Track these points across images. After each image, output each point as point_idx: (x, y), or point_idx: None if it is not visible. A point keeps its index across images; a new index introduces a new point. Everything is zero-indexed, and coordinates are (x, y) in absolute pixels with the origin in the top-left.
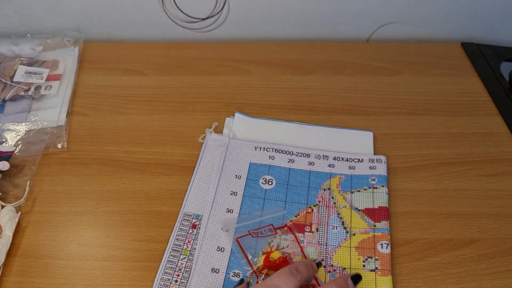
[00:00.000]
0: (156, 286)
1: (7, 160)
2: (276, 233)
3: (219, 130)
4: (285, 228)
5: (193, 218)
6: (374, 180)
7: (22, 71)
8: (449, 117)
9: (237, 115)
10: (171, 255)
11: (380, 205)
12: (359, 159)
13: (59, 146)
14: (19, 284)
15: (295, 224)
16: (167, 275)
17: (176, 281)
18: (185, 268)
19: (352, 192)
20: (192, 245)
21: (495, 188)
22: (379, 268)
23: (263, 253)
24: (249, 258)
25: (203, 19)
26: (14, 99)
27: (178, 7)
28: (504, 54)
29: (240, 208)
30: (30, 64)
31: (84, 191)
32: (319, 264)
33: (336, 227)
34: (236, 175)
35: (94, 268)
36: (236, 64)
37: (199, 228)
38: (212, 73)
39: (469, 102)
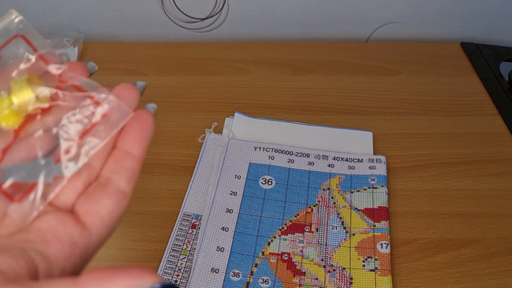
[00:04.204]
0: None
1: None
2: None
3: (218, 130)
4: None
5: (192, 218)
6: (373, 180)
7: None
8: (448, 117)
9: (236, 115)
10: (170, 255)
11: (380, 205)
12: (358, 159)
13: None
14: None
15: (295, 224)
16: (167, 275)
17: (176, 281)
18: (185, 268)
19: (351, 192)
20: (191, 245)
21: (494, 188)
22: (379, 268)
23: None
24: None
25: (203, 19)
26: None
27: (177, 7)
28: (504, 54)
29: (240, 208)
30: None
31: None
32: None
33: (336, 227)
34: (235, 175)
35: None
36: (235, 64)
37: (199, 228)
38: (211, 73)
39: (468, 102)
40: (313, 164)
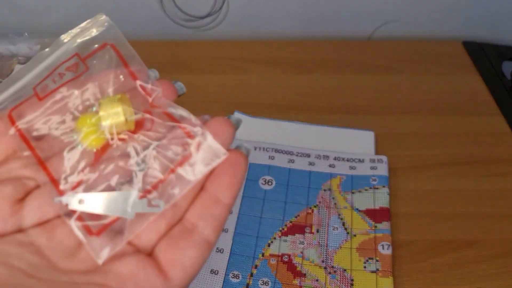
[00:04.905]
0: None
1: None
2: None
3: None
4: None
5: None
6: (375, 180)
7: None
8: (450, 116)
9: (236, 114)
10: None
11: (381, 205)
12: (360, 159)
13: None
14: None
15: (295, 225)
16: None
17: None
18: None
19: (352, 193)
20: None
21: (497, 189)
22: (380, 269)
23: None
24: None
25: (202, 18)
26: None
27: (176, 6)
28: (506, 53)
29: (240, 208)
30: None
31: None
32: None
33: (337, 228)
34: None
35: None
36: (235, 63)
37: None
38: (211, 72)
39: (470, 102)
40: (314, 164)
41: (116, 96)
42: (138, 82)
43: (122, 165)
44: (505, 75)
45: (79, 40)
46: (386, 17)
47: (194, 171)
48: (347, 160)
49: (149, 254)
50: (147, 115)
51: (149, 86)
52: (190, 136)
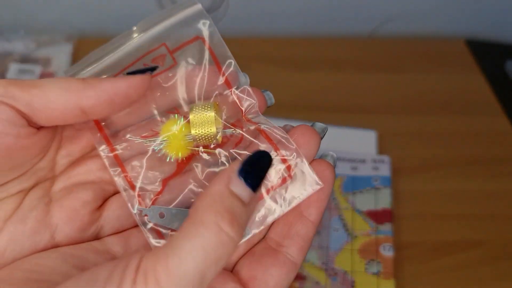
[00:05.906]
0: None
1: None
2: None
3: None
4: None
5: None
6: (377, 181)
7: (15, 68)
8: (453, 116)
9: None
10: None
11: (383, 206)
12: (361, 160)
13: None
14: None
15: None
16: None
17: None
18: None
19: (354, 194)
20: None
21: (502, 189)
22: (382, 271)
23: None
24: None
25: None
26: None
27: (174, 2)
28: (510, 52)
29: None
30: (22, 61)
31: None
32: None
33: (338, 229)
34: None
35: None
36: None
37: None
38: None
39: (473, 101)
40: None
41: (208, 103)
42: (234, 90)
43: (207, 181)
44: (508, 74)
45: (167, 27)
46: (387, 15)
47: (286, 199)
48: (349, 160)
49: (231, 271)
50: (239, 131)
51: (244, 96)
52: (284, 160)
